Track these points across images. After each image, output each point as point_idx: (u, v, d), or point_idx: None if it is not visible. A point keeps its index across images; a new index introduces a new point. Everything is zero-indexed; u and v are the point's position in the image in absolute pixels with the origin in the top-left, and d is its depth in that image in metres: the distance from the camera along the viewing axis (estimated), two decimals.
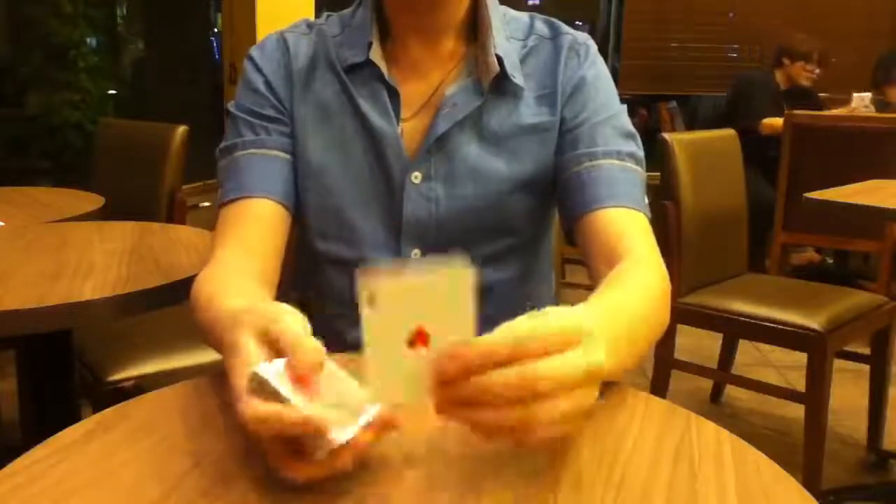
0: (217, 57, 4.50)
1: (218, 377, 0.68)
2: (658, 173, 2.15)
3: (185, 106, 4.46)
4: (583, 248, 0.92)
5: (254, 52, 1.00)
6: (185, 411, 0.65)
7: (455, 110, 0.94)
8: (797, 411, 2.03)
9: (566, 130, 0.95)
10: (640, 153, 0.96)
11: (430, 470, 0.56)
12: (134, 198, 2.24)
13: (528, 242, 1.01)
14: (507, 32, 0.98)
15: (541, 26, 1.00)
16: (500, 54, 0.94)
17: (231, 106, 0.99)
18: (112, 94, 4.13)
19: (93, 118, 3.72)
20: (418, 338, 0.52)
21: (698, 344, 2.69)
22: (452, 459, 0.58)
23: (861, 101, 3.65)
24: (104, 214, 1.84)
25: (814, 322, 1.97)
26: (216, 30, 4.73)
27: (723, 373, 2.58)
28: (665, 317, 0.79)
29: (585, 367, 0.51)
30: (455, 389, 0.50)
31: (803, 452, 1.97)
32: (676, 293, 2.14)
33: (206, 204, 2.97)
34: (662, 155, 2.18)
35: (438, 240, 0.96)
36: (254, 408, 0.51)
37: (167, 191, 2.24)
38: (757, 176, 3.40)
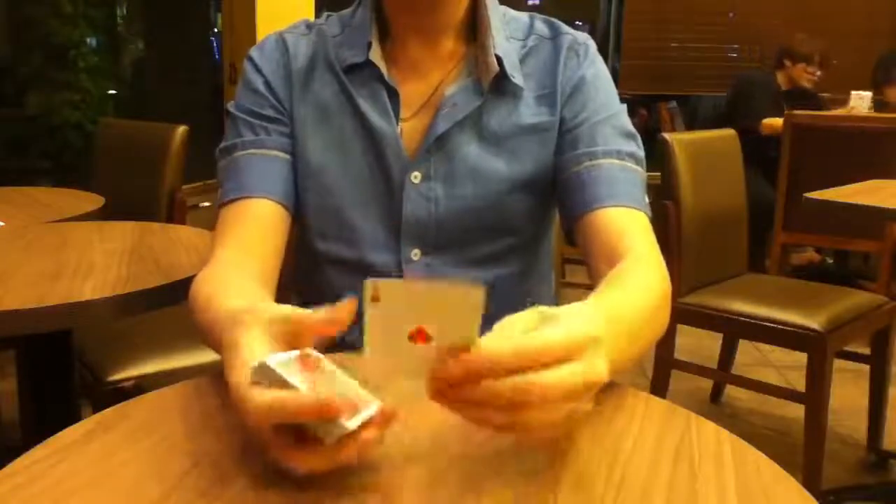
0: (217, 57, 4.50)
1: (218, 377, 0.68)
2: (658, 173, 2.15)
3: (185, 106, 4.45)
4: (583, 247, 0.92)
5: (253, 52, 1.00)
6: (185, 411, 0.65)
7: (455, 110, 0.94)
8: (797, 411, 2.04)
9: (566, 130, 0.95)
10: (641, 153, 0.96)
11: (431, 469, 0.56)
12: (134, 198, 2.24)
13: (528, 242, 1.01)
14: (507, 32, 0.98)
15: (540, 26, 1.00)
16: (500, 54, 0.94)
17: (231, 106, 0.99)
18: (112, 94, 4.13)
19: (93, 118, 3.73)
20: (419, 335, 0.51)
21: (698, 344, 2.69)
22: (453, 458, 0.58)
23: (860, 101, 3.65)
24: (104, 214, 1.84)
25: (814, 322, 1.97)
26: (216, 30, 4.73)
27: (723, 373, 2.58)
28: (665, 317, 0.79)
29: (583, 380, 0.52)
30: (454, 389, 0.51)
31: (803, 452, 1.97)
32: (676, 293, 2.14)
33: (206, 204, 2.97)
34: (662, 155, 2.18)
35: (438, 240, 0.96)
36: (260, 395, 0.51)
37: (167, 191, 2.24)
38: (757, 176, 3.40)
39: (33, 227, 1.55)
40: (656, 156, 2.14)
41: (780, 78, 3.93)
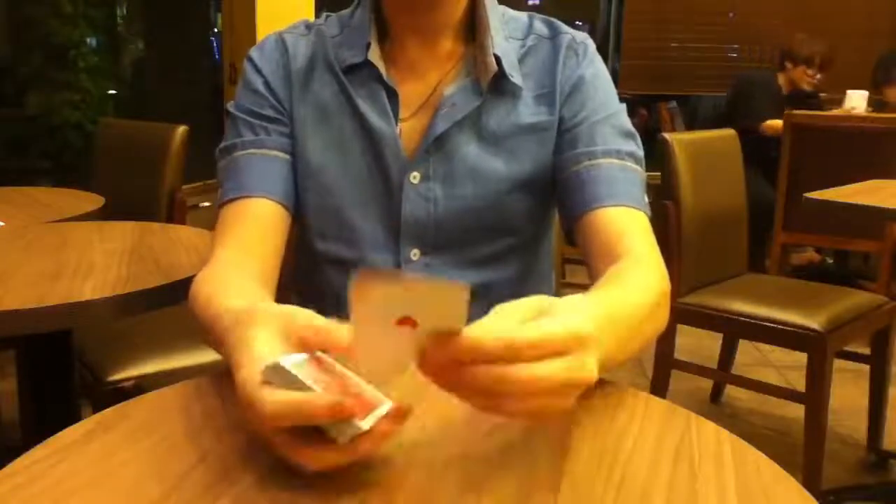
0: (217, 57, 4.50)
1: (218, 377, 0.68)
2: (658, 173, 2.15)
3: (185, 106, 4.46)
4: (583, 247, 0.92)
5: (253, 52, 1.00)
6: (186, 411, 0.65)
7: (454, 110, 0.94)
8: (797, 411, 2.04)
9: (565, 130, 0.95)
10: (640, 152, 0.96)
11: (431, 469, 0.56)
12: (134, 198, 2.24)
13: (528, 242, 1.01)
14: (506, 32, 0.98)
15: (539, 26, 1.00)
16: (499, 54, 0.94)
17: (230, 106, 0.99)
18: (112, 94, 4.13)
19: (93, 118, 3.73)
20: (405, 321, 0.51)
21: (698, 344, 2.69)
22: (453, 459, 0.58)
23: (856, 100, 3.64)
24: (104, 214, 1.84)
25: (814, 322, 1.97)
26: (216, 30, 4.73)
27: (723, 373, 2.58)
28: (664, 316, 0.79)
29: (568, 378, 0.52)
30: (439, 370, 0.52)
31: (803, 452, 1.97)
32: (676, 293, 2.14)
33: (206, 204, 2.97)
34: (662, 155, 2.18)
35: (437, 240, 0.96)
36: (272, 396, 0.51)
37: (167, 191, 2.24)
38: (757, 176, 3.40)
39: (33, 227, 1.55)
40: (656, 156, 2.14)
41: (782, 79, 3.93)
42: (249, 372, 0.54)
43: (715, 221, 2.27)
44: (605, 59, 1.00)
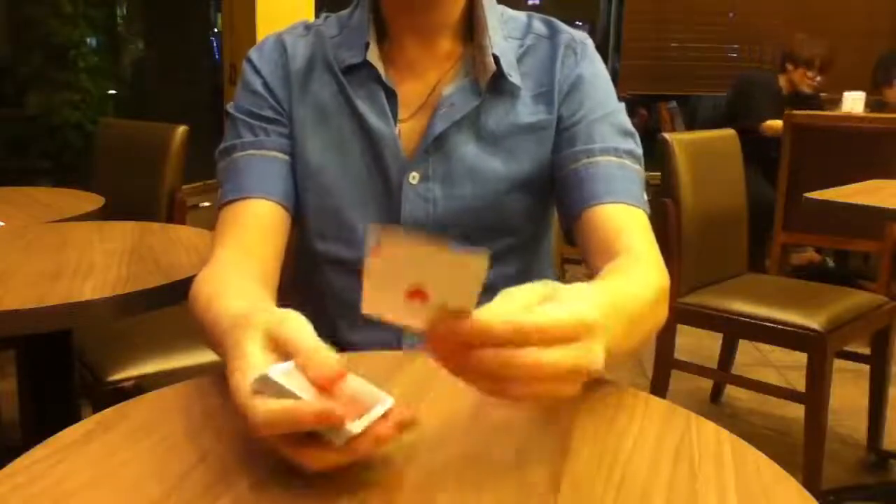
0: (217, 57, 4.50)
1: (218, 377, 0.68)
2: (658, 173, 2.15)
3: (185, 106, 4.46)
4: (581, 245, 0.92)
5: (252, 53, 1.00)
6: (186, 411, 0.65)
7: (452, 110, 0.94)
8: (797, 411, 2.03)
9: (563, 128, 0.95)
10: (639, 151, 0.96)
11: (431, 469, 0.56)
12: (134, 198, 2.24)
13: (528, 242, 1.01)
14: (505, 32, 0.98)
15: (538, 25, 1.00)
16: (497, 53, 0.94)
17: (230, 107, 0.99)
18: (112, 94, 4.13)
19: (93, 118, 3.73)
20: (417, 293, 0.51)
21: (698, 344, 2.69)
22: (453, 459, 0.58)
23: (853, 102, 3.63)
24: (104, 214, 1.84)
25: (814, 322, 1.97)
26: (216, 30, 4.73)
27: (723, 373, 2.58)
28: (664, 312, 0.78)
29: (575, 365, 0.52)
30: (447, 349, 0.51)
31: (803, 452, 1.97)
32: (676, 293, 2.15)
33: (206, 204, 2.97)
34: (662, 155, 2.18)
35: None
36: (263, 406, 0.51)
37: (167, 191, 2.24)
38: (757, 176, 3.40)
39: (33, 227, 1.55)
40: (656, 156, 2.15)
41: (783, 81, 3.93)
42: (241, 380, 0.54)
43: (715, 221, 2.27)
44: (605, 59, 1.00)
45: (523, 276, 1.02)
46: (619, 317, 0.63)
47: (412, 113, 0.96)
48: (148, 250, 1.32)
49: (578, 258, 0.93)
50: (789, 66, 3.90)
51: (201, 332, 0.75)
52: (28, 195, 2.08)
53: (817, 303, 2.08)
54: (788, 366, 2.90)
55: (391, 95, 0.95)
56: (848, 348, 2.16)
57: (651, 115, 4.91)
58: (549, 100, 0.96)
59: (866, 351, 2.25)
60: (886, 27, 4.95)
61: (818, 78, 3.84)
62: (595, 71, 0.98)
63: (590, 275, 0.87)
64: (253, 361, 0.55)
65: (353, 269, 0.96)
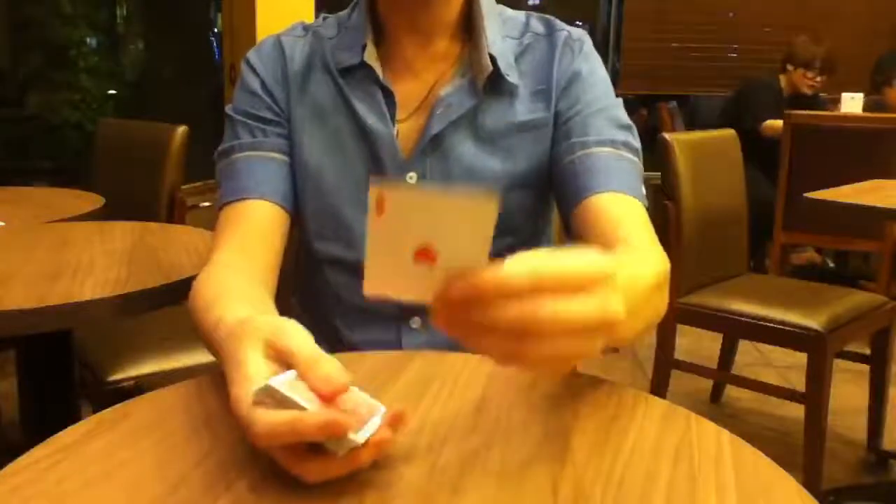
0: (217, 57, 4.50)
1: (218, 377, 0.68)
2: (658, 173, 2.15)
3: (185, 106, 4.46)
4: (580, 237, 0.91)
5: (250, 55, 1.00)
6: (186, 411, 0.65)
7: (449, 110, 0.94)
8: (797, 411, 2.03)
9: (560, 123, 0.95)
10: (636, 143, 0.95)
11: (431, 468, 0.56)
12: (134, 198, 2.24)
13: (527, 241, 1.01)
14: (503, 31, 0.98)
15: (536, 24, 1.00)
16: (495, 53, 0.94)
17: (228, 109, 0.99)
18: (112, 94, 4.13)
19: (93, 118, 3.73)
20: (424, 254, 0.48)
21: (698, 344, 2.69)
22: (452, 458, 0.58)
23: (852, 103, 3.63)
24: (104, 214, 1.84)
25: (814, 322, 1.97)
26: (216, 30, 4.73)
27: (723, 373, 2.58)
28: (665, 299, 0.77)
29: (597, 316, 0.48)
30: (459, 311, 0.48)
31: (803, 452, 1.97)
32: (676, 293, 2.15)
33: (206, 204, 2.96)
34: (662, 155, 2.18)
35: None
36: (265, 416, 0.50)
37: (167, 191, 2.24)
38: (757, 176, 3.40)
39: (33, 227, 1.55)
40: (656, 156, 2.14)
41: (783, 81, 3.93)
42: (241, 392, 0.53)
43: (715, 221, 2.27)
44: (605, 59, 1.00)
45: None
46: (626, 290, 0.58)
47: (410, 113, 0.96)
48: (148, 250, 1.32)
49: None
50: (789, 67, 3.90)
51: (201, 334, 0.75)
52: (28, 195, 2.08)
53: (817, 303, 2.08)
54: (788, 366, 2.90)
55: (389, 96, 0.95)
56: (848, 348, 2.16)
57: (651, 115, 4.91)
58: (546, 97, 0.96)
59: (866, 351, 2.25)
60: (886, 27, 4.94)
61: (818, 79, 3.84)
62: (592, 68, 0.98)
63: None
64: (253, 371, 0.54)
65: (353, 269, 0.96)
